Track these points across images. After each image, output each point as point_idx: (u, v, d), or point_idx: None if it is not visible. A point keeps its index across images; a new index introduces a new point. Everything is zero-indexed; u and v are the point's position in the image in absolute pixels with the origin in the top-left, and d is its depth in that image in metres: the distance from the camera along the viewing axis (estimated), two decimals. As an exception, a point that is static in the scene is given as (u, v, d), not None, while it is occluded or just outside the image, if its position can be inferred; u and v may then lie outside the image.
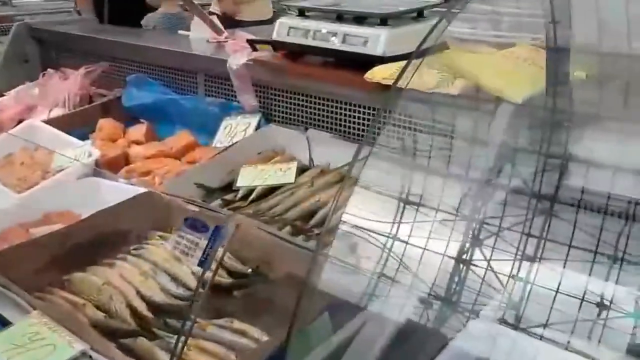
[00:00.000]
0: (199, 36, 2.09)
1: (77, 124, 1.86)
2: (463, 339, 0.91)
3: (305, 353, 0.90)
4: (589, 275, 0.91)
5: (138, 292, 1.12)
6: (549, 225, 1.01)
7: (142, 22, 3.31)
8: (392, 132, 0.99)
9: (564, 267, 0.94)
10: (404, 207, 1.06)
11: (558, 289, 0.91)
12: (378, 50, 1.37)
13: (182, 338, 0.71)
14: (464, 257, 1.00)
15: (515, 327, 0.91)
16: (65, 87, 1.99)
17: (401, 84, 1.12)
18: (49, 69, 2.16)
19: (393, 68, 1.36)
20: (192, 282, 1.16)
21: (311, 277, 0.62)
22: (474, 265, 0.99)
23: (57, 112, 1.95)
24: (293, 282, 1.21)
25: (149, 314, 1.09)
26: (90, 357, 0.90)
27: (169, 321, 1.08)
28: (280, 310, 1.14)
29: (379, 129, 0.83)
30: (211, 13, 2.57)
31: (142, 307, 1.09)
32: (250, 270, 1.21)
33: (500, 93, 1.19)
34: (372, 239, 1.00)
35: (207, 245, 0.67)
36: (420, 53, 1.41)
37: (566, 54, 1.06)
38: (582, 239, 0.94)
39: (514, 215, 1.02)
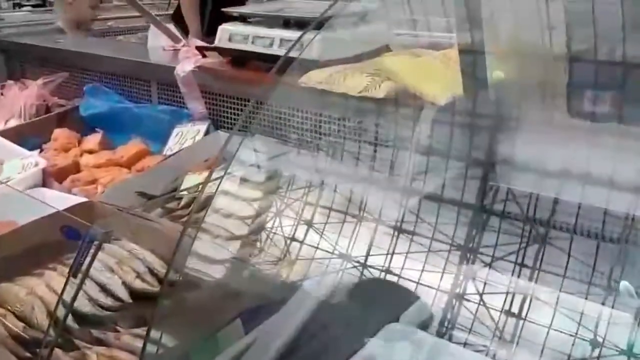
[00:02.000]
0: (156, 44, 2.09)
1: (30, 134, 1.85)
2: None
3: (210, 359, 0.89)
4: (584, 306, 0.89)
5: (63, 302, 1.11)
6: (542, 254, 0.98)
7: None
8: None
9: (557, 301, 0.91)
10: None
11: (551, 325, 0.89)
12: (313, 53, 1.37)
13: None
14: (457, 291, 0.97)
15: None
16: (22, 97, 1.99)
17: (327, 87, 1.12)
18: (8, 80, 2.17)
19: (327, 72, 1.36)
20: (122, 293, 1.15)
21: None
22: (467, 300, 0.96)
23: (13, 122, 1.96)
24: (220, 289, 1.21)
25: (75, 325, 1.09)
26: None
27: (93, 332, 1.07)
28: (201, 316, 1.13)
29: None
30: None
31: (67, 318, 1.08)
32: (179, 277, 1.20)
33: (425, 95, 1.19)
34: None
35: (78, 254, 0.67)
36: (360, 58, 1.41)
37: (480, 55, 1.06)
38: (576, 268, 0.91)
39: (508, 243, 1.00)
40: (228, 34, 1.54)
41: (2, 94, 2.09)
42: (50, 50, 2.28)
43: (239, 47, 1.52)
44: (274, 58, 1.50)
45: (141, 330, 1.04)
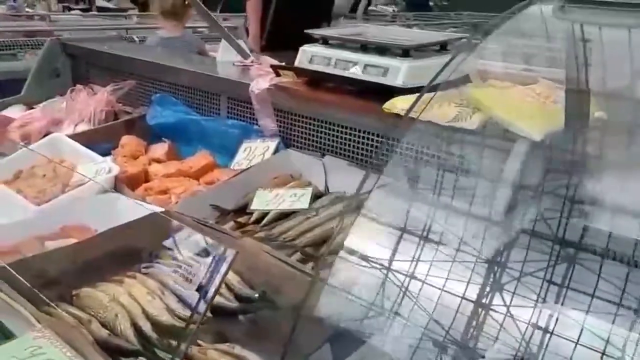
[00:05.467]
0: (226, 59, 2.12)
1: (100, 140, 1.89)
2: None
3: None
4: (612, 326, 0.88)
5: (144, 312, 1.12)
6: (572, 273, 0.98)
7: (145, 42, 3.35)
8: (400, 161, 0.98)
9: (586, 317, 0.91)
10: (423, 244, 1.05)
11: (578, 340, 0.88)
12: (398, 81, 1.37)
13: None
14: (483, 301, 0.97)
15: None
16: (92, 102, 2.03)
17: (414, 115, 1.12)
18: (77, 85, 2.22)
19: (412, 100, 1.36)
20: (200, 305, 1.16)
21: (308, 303, 0.61)
22: (493, 310, 0.96)
23: (82, 127, 1.99)
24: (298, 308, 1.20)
25: (154, 334, 1.09)
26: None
27: (172, 342, 1.08)
28: (282, 337, 1.13)
29: (383, 155, 0.83)
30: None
31: (146, 327, 1.09)
32: (257, 295, 1.20)
33: (518, 129, 1.17)
34: (390, 276, 0.98)
35: (206, 272, 0.67)
36: (434, 86, 1.41)
37: (587, 95, 1.05)
38: (604, 288, 0.91)
39: (536, 260, 0.99)
40: (309, 55, 1.55)
41: (71, 98, 2.13)
42: (119, 58, 2.33)
43: (320, 69, 1.54)
44: (354, 81, 1.51)
45: (226, 347, 1.03)
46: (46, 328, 0.99)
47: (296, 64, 1.62)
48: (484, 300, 0.98)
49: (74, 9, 8.02)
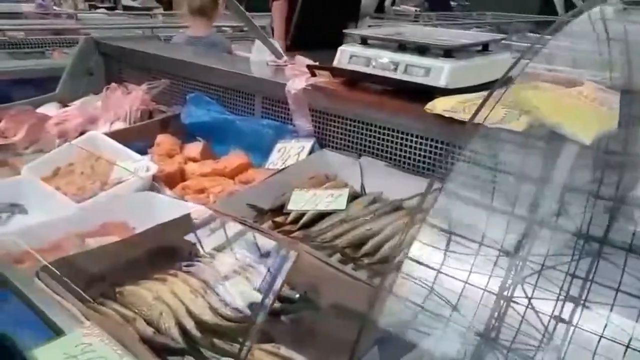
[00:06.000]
0: (259, 58, 2.12)
1: (136, 138, 1.90)
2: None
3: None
4: (636, 321, 0.87)
5: (188, 310, 1.13)
6: (596, 267, 0.97)
7: (171, 41, 3.35)
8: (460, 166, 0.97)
9: (611, 311, 0.90)
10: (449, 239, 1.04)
11: (602, 333, 0.87)
12: (441, 81, 1.36)
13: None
14: (505, 293, 0.96)
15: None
16: (127, 101, 2.05)
17: (470, 118, 1.10)
18: (112, 83, 2.23)
19: (454, 100, 1.35)
20: (241, 303, 1.16)
21: (373, 313, 0.60)
22: (515, 302, 0.95)
23: (118, 125, 2.01)
24: (340, 311, 1.20)
25: (198, 333, 1.09)
26: (139, 373, 0.91)
27: (216, 342, 1.08)
28: (326, 339, 1.12)
29: (450, 164, 0.82)
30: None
31: (191, 326, 1.09)
32: (298, 295, 1.20)
33: (569, 133, 1.16)
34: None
35: (267, 272, 0.67)
36: (486, 87, 1.39)
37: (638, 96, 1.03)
38: (630, 284, 0.90)
39: (560, 254, 0.99)
40: (348, 55, 1.55)
41: (106, 96, 2.15)
42: (153, 57, 2.35)
43: (359, 69, 1.53)
44: (395, 82, 1.50)
45: (271, 347, 1.03)
46: (95, 325, 1.00)
47: (334, 64, 1.61)
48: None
49: (99, 8, 8.13)
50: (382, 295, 0.65)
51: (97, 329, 0.99)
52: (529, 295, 0.94)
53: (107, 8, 8.15)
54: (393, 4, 8.12)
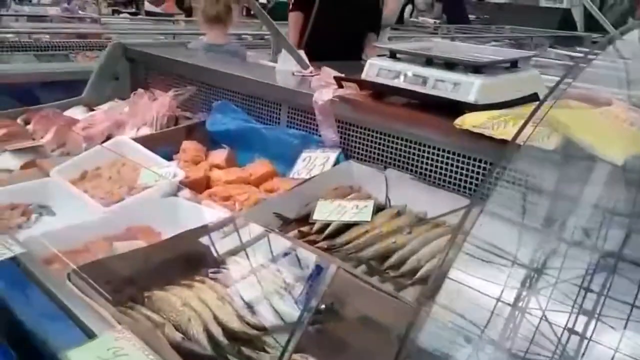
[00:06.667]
0: (285, 68, 2.14)
1: (161, 144, 1.92)
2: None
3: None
4: None
5: (215, 317, 1.14)
6: (611, 282, 0.97)
7: (188, 46, 3.36)
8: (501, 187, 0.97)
9: (625, 327, 0.90)
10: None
11: (617, 348, 0.87)
12: (470, 97, 1.36)
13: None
14: (519, 304, 0.97)
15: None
16: (154, 107, 2.07)
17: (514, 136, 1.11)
18: (139, 89, 2.26)
19: (484, 117, 1.35)
20: (268, 312, 1.16)
21: (412, 332, 0.61)
22: (529, 314, 0.95)
23: (144, 130, 2.03)
24: (366, 323, 1.20)
25: (225, 340, 1.10)
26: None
27: (243, 349, 1.09)
28: (351, 350, 1.13)
29: (493, 184, 0.82)
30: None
31: (218, 333, 1.10)
32: (324, 306, 1.20)
33: (600, 153, 1.16)
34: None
35: (306, 284, 0.67)
36: (514, 104, 1.39)
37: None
38: None
39: (574, 267, 0.99)
40: (377, 68, 1.56)
41: (133, 102, 2.17)
42: (180, 64, 2.38)
43: (388, 83, 1.54)
44: (424, 96, 1.51)
45: (300, 357, 1.04)
46: (126, 329, 1.01)
47: (362, 76, 1.63)
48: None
49: (122, 12, 8.24)
50: (423, 315, 0.65)
51: (128, 333, 1.00)
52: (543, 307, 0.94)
53: (130, 13, 8.27)
54: (411, 15, 8.15)
